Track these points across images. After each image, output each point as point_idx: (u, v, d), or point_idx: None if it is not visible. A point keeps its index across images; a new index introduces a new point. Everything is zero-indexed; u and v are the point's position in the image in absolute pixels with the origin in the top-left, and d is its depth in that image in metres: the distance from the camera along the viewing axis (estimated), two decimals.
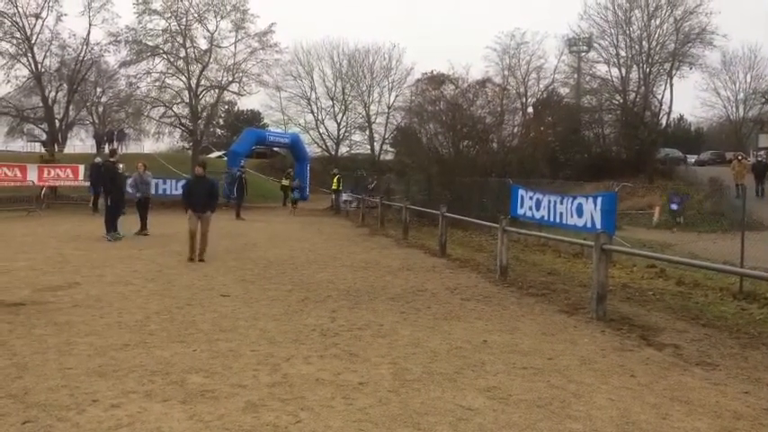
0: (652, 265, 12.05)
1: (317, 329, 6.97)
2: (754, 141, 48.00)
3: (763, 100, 43.63)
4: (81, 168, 26.86)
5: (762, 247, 10.14)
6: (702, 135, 59.80)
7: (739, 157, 30.35)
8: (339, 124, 49.00)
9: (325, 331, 6.91)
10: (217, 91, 34.67)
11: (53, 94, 32.48)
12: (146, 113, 34.89)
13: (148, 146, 45.23)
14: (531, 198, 15.28)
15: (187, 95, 33.45)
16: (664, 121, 41.62)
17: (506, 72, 41.17)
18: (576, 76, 42.13)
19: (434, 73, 30.18)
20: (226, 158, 34.83)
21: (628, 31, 39.47)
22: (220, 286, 9.48)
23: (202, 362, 5.63)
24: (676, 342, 6.82)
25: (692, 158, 46.71)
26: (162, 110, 34.28)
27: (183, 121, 34.65)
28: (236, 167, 27.41)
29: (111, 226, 15.48)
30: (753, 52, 50.17)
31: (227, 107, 45.67)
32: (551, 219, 14.18)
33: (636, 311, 8.42)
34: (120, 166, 16.41)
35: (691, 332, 7.31)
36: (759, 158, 34.91)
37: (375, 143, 48.67)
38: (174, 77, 33.42)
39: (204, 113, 35.40)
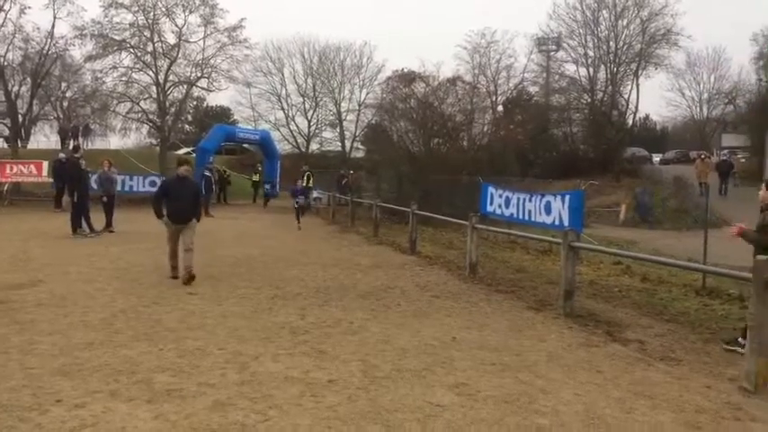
0: (618, 262, 12.25)
1: (287, 327, 6.94)
2: (718, 141, 49.08)
3: (726, 100, 44.60)
4: (45, 165, 26.27)
5: (724, 245, 10.36)
6: (667, 134, 60.93)
7: (702, 156, 31.01)
8: (310, 121, 48.70)
9: (295, 329, 6.88)
10: (185, 86, 34.23)
11: (16, 88, 31.77)
12: (112, 109, 34.32)
13: (115, 142, 44.49)
14: (500, 196, 15.38)
15: (155, 91, 32.96)
16: (630, 121, 42.29)
17: (477, 70, 41.38)
18: (545, 75, 42.53)
19: (405, 71, 30.22)
20: (194, 155, 34.39)
21: (596, 32, 40.00)
22: (188, 285, 9.36)
23: (169, 361, 5.56)
24: (641, 337, 6.94)
25: (657, 157, 47.56)
26: (129, 105, 33.75)
27: (151, 116, 34.16)
28: (205, 165, 27.06)
29: (77, 223, 15.19)
30: (717, 53, 51.22)
31: (195, 103, 45.21)
32: (520, 216, 14.29)
33: (602, 308, 8.54)
34: (83, 162, 16.09)
35: (655, 328, 7.44)
36: (722, 157, 35.73)
37: (346, 140, 48.51)
38: (142, 72, 32.90)
39: (172, 109, 34.92)
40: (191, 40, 33.43)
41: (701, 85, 51.95)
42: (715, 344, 6.72)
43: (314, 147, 49.04)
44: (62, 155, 22.90)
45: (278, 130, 47.36)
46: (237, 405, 4.54)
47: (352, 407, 4.59)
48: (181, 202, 9.59)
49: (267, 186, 28.65)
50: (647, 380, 5.46)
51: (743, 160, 38.05)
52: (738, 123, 40.72)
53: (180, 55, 33.11)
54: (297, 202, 19.87)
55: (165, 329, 6.68)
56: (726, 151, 43.39)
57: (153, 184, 29.39)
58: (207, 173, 25.71)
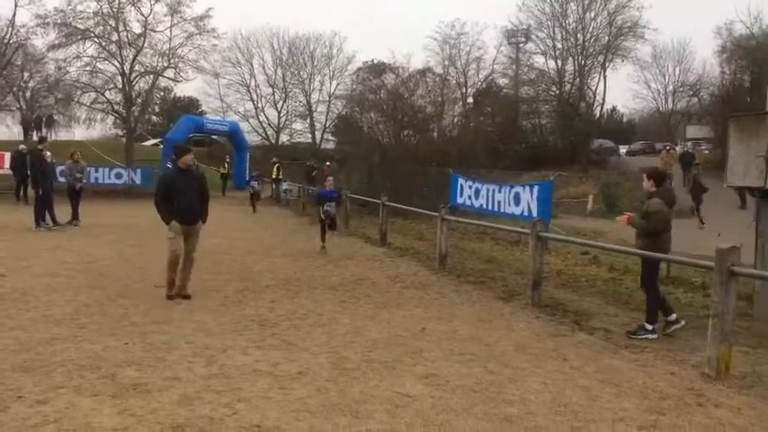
0: (585, 252, 12.41)
1: (256, 320, 6.89)
2: (682, 132, 49.95)
3: (691, 93, 45.33)
4: (7, 156, 25.62)
5: (687, 234, 10.56)
6: (634, 126, 61.74)
7: (667, 148, 31.53)
8: (279, 112, 48.34)
9: (264, 321, 6.83)
10: (152, 77, 33.63)
11: None
12: (76, 99, 33.55)
13: (80, 133, 43.57)
14: (470, 187, 15.44)
15: (120, 81, 32.31)
16: (597, 113, 42.90)
17: (447, 62, 41.45)
18: (514, 67, 42.82)
19: (375, 62, 30.22)
20: (161, 146, 33.92)
21: (564, 24, 40.43)
22: (155, 277, 9.22)
23: (135, 355, 5.48)
24: (607, 326, 7.04)
25: (624, 149, 48.22)
26: (93, 95, 33.02)
27: (116, 107, 33.48)
28: (171, 157, 26.68)
29: (41, 216, 14.86)
30: (682, 46, 51.95)
31: (162, 94, 44.47)
32: (490, 207, 14.38)
33: (569, 297, 8.65)
34: (48, 154, 15.71)
35: (621, 316, 7.56)
36: (686, 149, 36.41)
37: (316, 132, 48.29)
38: (107, 62, 32.19)
39: (138, 100, 34.31)
40: (157, 29, 32.83)
41: (667, 78, 52.70)
42: (679, 331, 6.84)
43: (284, 138, 48.75)
44: (22, 146, 22.34)
45: (247, 121, 46.98)
46: (205, 399, 4.50)
47: (321, 399, 4.58)
48: (188, 199, 7.94)
49: (254, 183, 23.81)
50: (613, 368, 5.54)
51: (706, 152, 38.82)
52: (702, 115, 41.50)
53: (146, 44, 32.51)
54: (325, 212, 12.94)
55: (131, 323, 6.58)
56: (690, 143, 44.23)
57: (119, 176, 28.98)
58: (170, 164, 25.36)
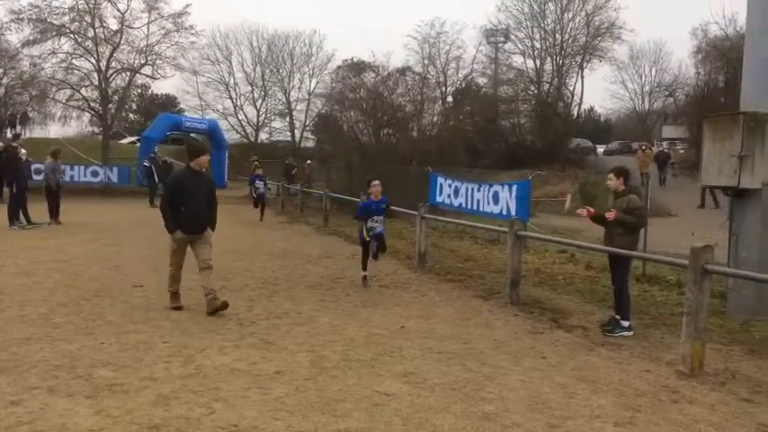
0: (563, 251, 12.50)
1: (234, 319, 6.85)
2: (658, 132, 50.59)
3: (667, 93, 45.92)
4: None
5: (662, 233, 10.70)
6: (611, 126, 62.38)
7: (643, 147, 31.90)
8: (259, 111, 48.06)
9: (242, 321, 6.80)
10: (129, 74, 33.31)
11: None
12: (51, 96, 33.12)
13: (55, 130, 42.98)
14: (449, 186, 15.50)
15: (96, 78, 31.95)
16: (575, 112, 43.29)
17: (426, 61, 41.47)
18: (493, 66, 43.01)
19: (355, 60, 30.17)
20: (138, 144, 33.54)
21: (542, 24, 40.73)
22: (132, 277, 9.15)
23: (111, 355, 5.42)
24: (584, 324, 7.11)
25: (601, 148, 48.70)
26: (69, 92, 32.64)
27: (92, 104, 33.10)
28: (148, 155, 26.37)
29: (15, 215, 14.63)
30: (658, 47, 52.67)
31: (140, 91, 44.08)
32: (469, 206, 14.44)
33: (547, 295, 8.72)
34: (23, 152, 15.47)
35: (598, 314, 7.63)
36: (662, 148, 36.87)
37: (296, 130, 48.09)
38: (82, 59, 31.82)
39: (115, 97, 33.95)
40: (134, 26, 32.51)
41: (643, 78, 53.34)
42: (654, 329, 6.95)
43: (263, 137, 48.49)
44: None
45: (226, 119, 46.64)
46: (181, 399, 4.46)
47: (299, 397, 4.57)
48: (198, 205, 7.15)
49: (259, 183, 19.57)
50: (590, 365, 5.60)
51: (682, 151, 39.36)
52: (678, 115, 42.06)
53: (123, 41, 32.19)
54: (369, 230, 9.18)
55: (107, 323, 6.51)
56: (666, 142, 44.80)
57: (95, 174, 28.64)
58: (146, 163, 25.10)
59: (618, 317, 6.80)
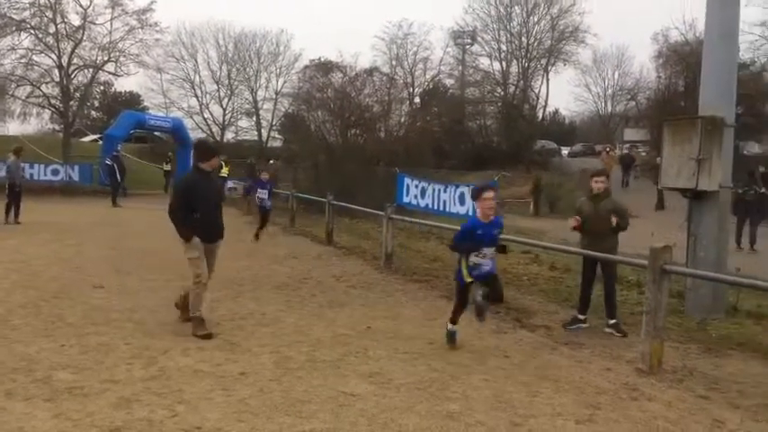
0: (527, 252, 12.64)
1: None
2: (621, 135, 51.52)
3: (629, 96, 46.77)
4: None
5: (623, 234, 10.87)
6: (575, 128, 63.36)
7: (608, 150, 32.48)
8: (225, 109, 47.54)
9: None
10: (91, 70, 32.63)
11: None
12: (10, 93, 32.23)
13: (14, 128, 41.88)
14: (416, 186, 15.58)
15: (57, 74, 31.24)
16: (540, 114, 43.82)
17: (394, 62, 41.59)
18: (460, 68, 43.32)
19: (323, 60, 30.06)
20: (101, 142, 32.92)
21: (508, 27, 41.16)
22: (93, 277, 8.97)
23: (71, 357, 5.31)
24: (547, 323, 7.22)
25: (565, 150, 49.41)
26: (29, 89, 31.81)
27: (53, 101, 32.35)
28: (110, 154, 25.88)
29: None
30: (620, 51, 53.70)
31: (102, 88, 43.17)
32: (436, 207, 14.55)
33: (512, 295, 8.79)
34: None
35: (561, 314, 7.75)
36: (625, 151, 37.55)
37: (263, 129, 47.71)
38: (43, 55, 31.04)
39: (77, 94, 33.24)
40: (97, 22, 31.85)
41: (606, 82, 54.36)
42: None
43: (229, 136, 47.99)
44: None
45: (191, 117, 45.99)
46: (144, 401, 4.40)
47: (264, 399, 4.54)
48: (211, 211, 6.57)
49: (263, 195, 14.74)
50: (552, 364, 5.69)
51: (643, 154, 40.12)
52: (639, 119, 42.86)
53: (85, 37, 31.52)
54: (473, 273, 6.07)
55: (67, 325, 6.38)
56: (628, 145, 45.64)
57: (55, 172, 28.02)
58: (109, 161, 24.65)
59: (615, 320, 6.87)
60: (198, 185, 6.39)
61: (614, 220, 6.71)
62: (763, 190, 14.64)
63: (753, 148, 30.74)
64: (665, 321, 5.77)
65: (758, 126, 29.82)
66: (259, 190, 14.75)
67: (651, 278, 5.55)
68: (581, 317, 7.10)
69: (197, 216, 6.33)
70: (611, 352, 6.13)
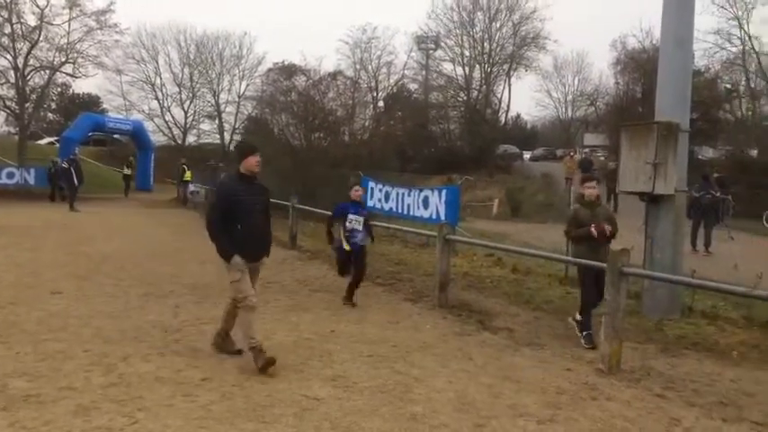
0: (490, 254, 12.76)
1: (159, 326, 6.67)
2: (581, 139, 52.49)
3: (588, 102, 47.70)
4: None
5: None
6: (537, 133, 64.34)
7: (571, 154, 33.02)
8: (186, 112, 46.89)
9: (167, 327, 6.63)
10: (48, 72, 31.90)
11: None
12: None
13: None
14: (380, 190, 15.63)
15: (13, 75, 30.46)
16: (503, 119, 44.33)
17: (358, 66, 41.56)
18: (424, 72, 43.56)
19: (286, 63, 29.87)
20: (58, 145, 32.17)
21: (471, 32, 41.54)
22: (50, 283, 8.76)
23: (26, 365, 5.18)
24: (510, 325, 7.30)
25: (527, 154, 50.09)
26: None
27: (8, 103, 31.54)
28: (67, 157, 25.30)
29: None
30: (580, 57, 54.85)
31: (60, 90, 42.27)
32: (400, 210, 14.61)
33: (475, 298, 8.89)
34: None
35: (522, 316, 7.86)
36: (585, 155, 38.22)
37: (225, 133, 47.20)
38: None
39: (33, 96, 32.44)
40: (54, 22, 31.17)
41: (567, 87, 55.42)
42: (575, 329, 7.18)
43: (191, 139, 47.37)
44: None
45: (152, 120, 45.25)
46: (102, 409, 4.32)
47: (226, 404, 4.50)
48: (256, 223, 5.59)
49: (356, 223, 8.39)
50: (515, 365, 5.76)
51: (602, 158, 40.89)
52: (599, 123, 43.70)
53: (42, 38, 30.80)
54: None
55: (23, 332, 6.22)
56: (587, 149, 46.49)
57: (10, 175, 27.31)
58: (65, 164, 24.09)
59: (579, 318, 6.78)
60: (238, 193, 5.49)
61: (608, 228, 6.56)
62: (717, 193, 15.06)
63: (707, 152, 31.58)
64: (624, 322, 5.89)
65: (712, 131, 30.63)
66: (350, 216, 8.43)
67: (610, 280, 5.67)
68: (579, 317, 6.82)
69: (240, 228, 5.44)
70: (571, 353, 6.23)
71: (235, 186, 5.60)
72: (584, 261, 6.73)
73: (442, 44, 42.68)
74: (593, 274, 6.48)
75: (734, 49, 30.00)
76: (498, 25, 41.17)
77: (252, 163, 5.59)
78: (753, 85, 30.11)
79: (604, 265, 5.87)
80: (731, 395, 5.15)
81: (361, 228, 8.15)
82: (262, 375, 5.15)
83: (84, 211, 21.34)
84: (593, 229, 6.51)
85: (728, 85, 31.95)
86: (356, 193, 8.24)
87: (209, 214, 5.78)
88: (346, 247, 7.98)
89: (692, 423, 4.53)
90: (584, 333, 6.62)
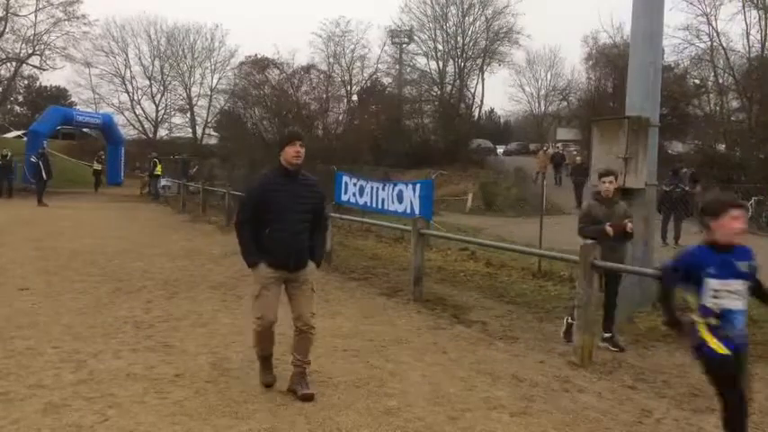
0: (465, 248, 12.84)
1: (130, 322, 6.58)
2: (554, 134, 52.99)
3: (561, 97, 48.21)
4: None
5: (556, 230, 11.21)
6: (510, 127, 64.81)
7: (545, 148, 33.31)
8: (158, 106, 46.39)
9: (139, 323, 6.54)
10: (14, 64, 31.27)
11: None
12: None
13: None
14: (354, 185, 15.57)
15: None
16: (476, 114, 44.62)
17: (332, 59, 41.41)
18: (397, 66, 43.56)
19: (259, 56, 29.67)
20: (25, 138, 31.50)
21: (444, 27, 41.71)
22: (17, 279, 8.60)
23: None
24: (483, 319, 7.35)
25: (501, 149, 50.44)
26: None
27: None
28: (35, 151, 24.80)
29: None
30: (553, 53, 55.56)
31: (27, 82, 41.44)
32: (374, 205, 14.57)
33: (449, 292, 8.93)
34: None
35: (496, 309, 7.91)
36: (557, 150, 38.63)
37: (197, 126, 46.76)
38: None
39: None
40: (20, 13, 30.66)
41: (540, 82, 55.80)
42: (548, 322, 7.27)
43: (162, 133, 46.83)
44: None
45: (122, 114, 44.68)
46: (73, 406, 4.25)
47: (199, 401, 4.46)
48: (293, 225, 4.66)
49: None
50: (488, 358, 5.80)
51: (574, 153, 41.36)
52: (571, 118, 44.18)
53: (7, 29, 30.25)
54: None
55: None
56: (560, 144, 46.96)
57: None
58: (34, 158, 23.61)
59: (609, 334, 6.29)
60: (275, 189, 4.65)
61: (629, 225, 6.19)
62: (686, 188, 15.32)
63: (676, 147, 32.10)
64: (596, 315, 5.96)
65: (682, 126, 31.13)
66: None
67: (582, 273, 5.73)
68: (608, 334, 6.31)
69: (269, 231, 4.62)
70: (544, 346, 6.29)
71: (270, 182, 4.73)
72: (552, 254, 6.79)
73: (416, 38, 42.78)
74: (615, 277, 6.27)
75: (702, 45, 30.48)
76: (471, 20, 41.39)
77: (290, 154, 4.69)
78: (720, 81, 30.63)
79: (621, 265, 5.81)
80: (701, 386, 5.21)
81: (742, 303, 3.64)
82: (235, 371, 5.11)
83: (53, 205, 20.96)
84: (608, 228, 6.07)
85: (697, 81, 32.48)
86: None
87: (238, 211, 5.01)
88: (719, 348, 3.57)
89: (662, 414, 4.60)
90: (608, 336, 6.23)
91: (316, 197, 4.86)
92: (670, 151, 29.46)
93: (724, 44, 29.81)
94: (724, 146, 29.35)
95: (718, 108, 31.30)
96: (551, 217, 15.86)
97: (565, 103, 47.10)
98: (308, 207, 4.73)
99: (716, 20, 29.95)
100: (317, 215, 4.83)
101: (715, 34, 29.89)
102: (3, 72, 31.71)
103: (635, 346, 6.44)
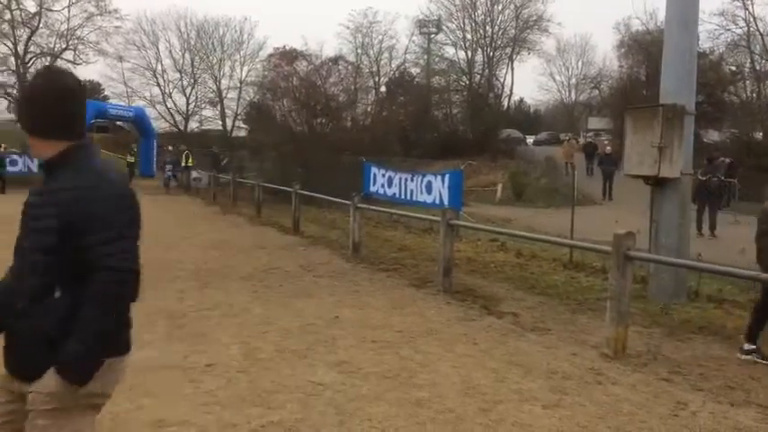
0: (494, 239, 12.75)
1: (163, 311, 6.66)
2: (585, 123, 52.29)
3: (592, 85, 47.53)
4: None
5: (588, 221, 11.06)
6: (540, 117, 64.08)
7: (568, 138, 32.90)
8: (188, 98, 46.86)
9: (172, 313, 6.63)
10: (49, 58, 31.87)
11: None
12: None
13: None
14: (383, 176, 15.57)
15: (13, 62, 30.45)
16: (506, 103, 44.27)
17: (359, 50, 41.47)
18: (425, 57, 43.37)
19: (287, 48, 29.77)
20: None
21: (473, 16, 41.40)
22: None
23: None
24: (514, 310, 7.28)
25: (530, 139, 49.95)
26: None
27: (9, 90, 31.51)
28: None
29: None
30: (584, 41, 54.79)
31: None
32: (402, 196, 14.56)
33: (479, 283, 8.87)
34: None
35: (527, 300, 7.83)
36: (588, 139, 38.10)
37: (227, 119, 47.16)
38: None
39: None
40: (53, 8, 31.21)
41: (570, 71, 55.21)
42: (580, 314, 7.18)
43: (193, 125, 47.33)
44: None
45: (154, 107, 45.24)
46: None
47: (232, 390, 4.50)
48: None
49: None
50: (520, 350, 5.74)
51: (606, 142, 40.76)
52: (602, 107, 43.53)
53: (42, 24, 30.91)
54: None
55: None
56: (591, 133, 46.33)
57: (14, 163, 27.29)
58: None
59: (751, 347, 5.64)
60: None
61: None
62: (723, 177, 14.99)
63: (712, 135, 31.44)
64: (629, 306, 5.86)
65: (717, 114, 30.47)
66: None
67: (615, 264, 5.63)
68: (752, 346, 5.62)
69: None
70: (576, 337, 6.21)
71: None
72: (584, 244, 6.68)
73: (444, 28, 42.55)
74: None
75: (738, 31, 29.78)
76: (500, 8, 41.04)
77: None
78: (758, 67, 29.88)
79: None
80: (738, 379, 5.13)
81: None
82: (266, 361, 5.14)
83: None
84: None
85: (733, 67, 31.73)
86: None
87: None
88: None
89: (698, 407, 4.51)
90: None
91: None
92: (705, 140, 28.84)
93: (761, 29, 29.05)
94: (761, 134, 28.65)
95: (755, 95, 30.58)
96: (583, 207, 15.67)
97: (596, 92, 46.42)
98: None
99: (752, 4, 29.22)
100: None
101: (752, 19, 29.19)
102: (38, 67, 32.21)
103: (670, 338, 6.32)
